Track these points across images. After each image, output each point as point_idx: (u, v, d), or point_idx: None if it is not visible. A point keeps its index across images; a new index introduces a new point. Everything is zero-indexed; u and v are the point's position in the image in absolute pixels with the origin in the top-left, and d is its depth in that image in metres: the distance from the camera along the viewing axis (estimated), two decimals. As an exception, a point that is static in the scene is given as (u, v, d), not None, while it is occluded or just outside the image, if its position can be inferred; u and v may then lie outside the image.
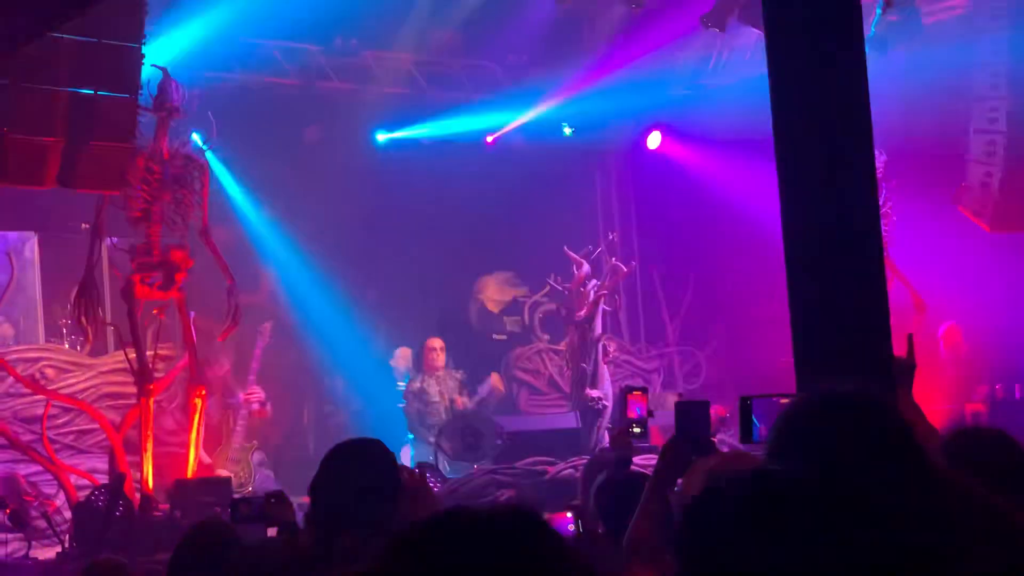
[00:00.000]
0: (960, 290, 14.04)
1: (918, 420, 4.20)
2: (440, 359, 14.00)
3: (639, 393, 3.96)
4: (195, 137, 11.48)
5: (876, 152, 4.41)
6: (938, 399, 12.94)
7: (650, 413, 4.04)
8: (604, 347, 13.70)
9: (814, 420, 2.52)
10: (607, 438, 13.05)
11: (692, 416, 3.46)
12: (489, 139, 16.34)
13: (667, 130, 16.50)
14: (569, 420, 13.39)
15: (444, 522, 1.78)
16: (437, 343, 14.09)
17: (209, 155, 11.27)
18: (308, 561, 4.05)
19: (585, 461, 11.85)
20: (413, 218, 15.68)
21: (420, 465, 11.44)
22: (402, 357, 14.72)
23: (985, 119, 13.90)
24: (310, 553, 4.10)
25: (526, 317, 15.63)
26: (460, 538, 1.75)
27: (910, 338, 4.87)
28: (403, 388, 14.10)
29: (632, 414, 4.04)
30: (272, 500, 5.12)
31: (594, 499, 5.07)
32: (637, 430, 4.02)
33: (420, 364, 14.11)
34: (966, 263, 14.06)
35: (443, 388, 13.84)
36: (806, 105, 4.38)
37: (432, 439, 13.15)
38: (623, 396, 4.01)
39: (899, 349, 4.44)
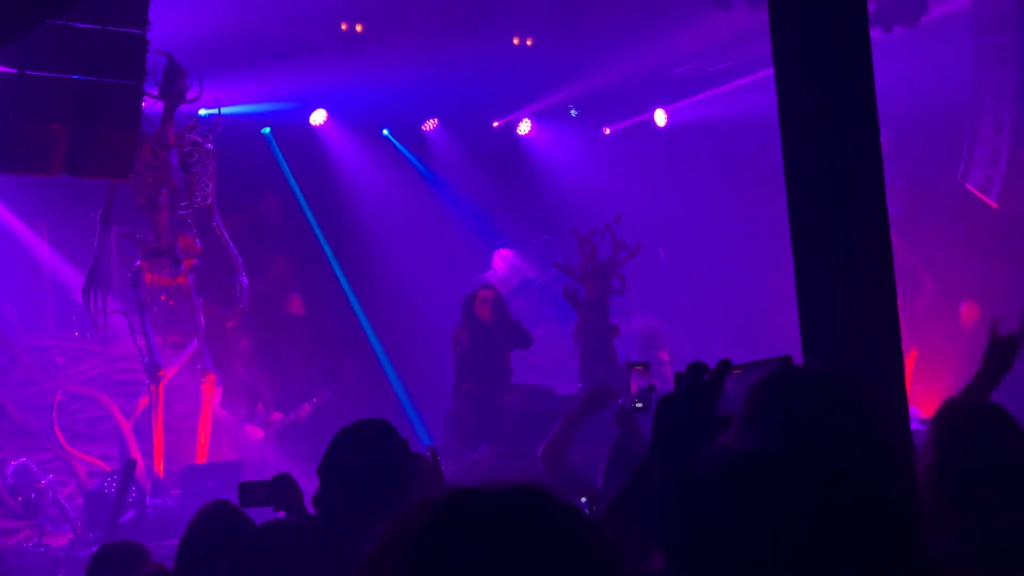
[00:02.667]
0: (969, 268, 14.01)
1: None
2: (487, 311, 13.12)
3: (641, 368, 3.95)
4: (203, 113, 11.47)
5: (882, 129, 4.39)
6: (947, 376, 12.92)
7: (651, 387, 4.02)
8: (612, 328, 13.69)
9: (783, 394, 2.54)
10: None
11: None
12: (495, 124, 16.49)
13: (671, 108, 16.55)
14: (578, 400, 13.32)
15: (456, 501, 1.74)
16: (490, 294, 13.31)
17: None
18: (317, 543, 4.06)
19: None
20: (416, 198, 15.77)
21: (432, 449, 11.35)
22: None
23: (992, 96, 13.87)
24: (319, 535, 4.12)
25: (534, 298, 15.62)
26: (472, 518, 1.71)
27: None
28: (453, 335, 13.19)
29: (635, 389, 4.02)
30: (279, 483, 5.13)
31: (603, 479, 5.08)
32: (640, 405, 4.00)
33: (470, 313, 13.19)
34: (975, 240, 14.03)
35: (489, 340, 13.03)
36: (811, 83, 4.37)
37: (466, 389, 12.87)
38: (626, 371, 3.99)
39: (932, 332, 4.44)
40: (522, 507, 1.72)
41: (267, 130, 14.98)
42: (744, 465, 1.89)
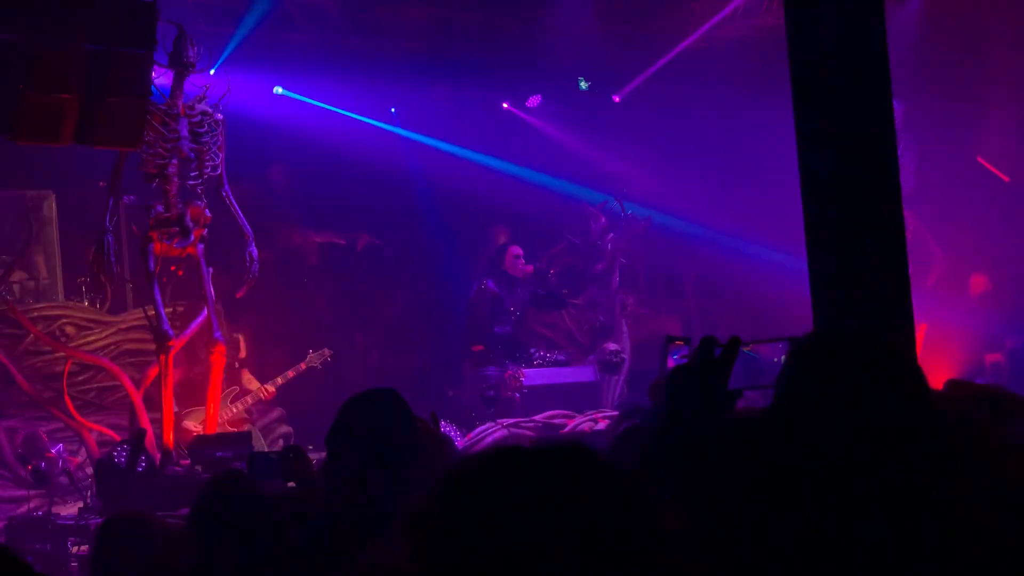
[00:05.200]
0: (981, 241, 13.97)
1: None
2: (521, 265, 12.95)
3: (680, 343, 3.92)
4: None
5: (895, 102, 4.36)
6: (956, 349, 12.90)
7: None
8: (622, 300, 13.68)
9: (819, 357, 2.53)
10: (625, 391, 13.06)
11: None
12: (505, 105, 16.48)
13: (678, 78, 16.47)
14: (587, 374, 13.35)
15: (503, 457, 1.78)
16: (520, 250, 13.14)
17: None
18: (327, 512, 4.07)
19: (602, 414, 11.92)
20: (425, 172, 15.74)
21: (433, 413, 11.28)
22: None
23: (1004, 68, 13.82)
24: (328, 504, 4.12)
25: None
26: (520, 473, 1.75)
27: None
28: (477, 288, 13.00)
29: (672, 364, 4.00)
30: (290, 454, 5.15)
31: (614, 447, 5.08)
32: None
33: (499, 266, 13.08)
34: (987, 213, 13.99)
35: (515, 299, 12.95)
36: (824, 54, 4.34)
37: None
38: (664, 345, 3.97)
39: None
40: (567, 460, 1.75)
41: (280, 89, 14.90)
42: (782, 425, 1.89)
